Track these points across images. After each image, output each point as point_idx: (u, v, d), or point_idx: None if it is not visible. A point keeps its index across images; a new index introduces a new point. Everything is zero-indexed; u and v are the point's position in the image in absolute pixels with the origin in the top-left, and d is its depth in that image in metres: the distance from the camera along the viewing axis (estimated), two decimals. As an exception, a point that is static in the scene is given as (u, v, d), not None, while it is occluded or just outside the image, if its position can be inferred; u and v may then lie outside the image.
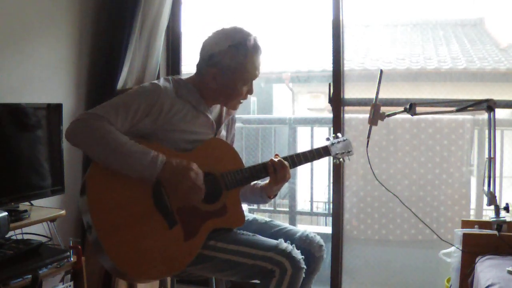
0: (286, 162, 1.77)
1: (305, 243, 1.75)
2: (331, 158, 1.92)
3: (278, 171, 1.75)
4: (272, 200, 1.99)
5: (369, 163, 1.99)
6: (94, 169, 1.56)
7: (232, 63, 1.66)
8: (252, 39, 1.68)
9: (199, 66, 1.75)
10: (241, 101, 1.78)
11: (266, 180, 1.84)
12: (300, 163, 1.82)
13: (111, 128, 1.53)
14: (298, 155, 1.82)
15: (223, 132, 1.84)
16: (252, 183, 1.85)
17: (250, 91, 1.76)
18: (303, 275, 1.61)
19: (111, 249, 1.49)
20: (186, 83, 1.73)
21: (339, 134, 1.95)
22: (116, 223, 1.52)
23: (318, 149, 1.87)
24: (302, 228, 1.88)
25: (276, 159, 1.76)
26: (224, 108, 1.84)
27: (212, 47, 1.69)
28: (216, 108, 1.82)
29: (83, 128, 1.54)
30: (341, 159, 1.92)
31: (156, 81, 1.69)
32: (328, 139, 1.91)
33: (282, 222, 1.98)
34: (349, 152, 1.93)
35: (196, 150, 1.68)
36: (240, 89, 1.72)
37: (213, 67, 1.68)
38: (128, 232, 1.53)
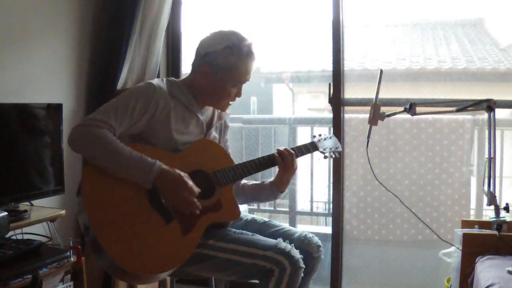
0: (292, 151, 1.82)
1: (303, 244, 1.76)
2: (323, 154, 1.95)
3: (285, 158, 1.79)
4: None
5: (369, 163, 1.99)
6: (88, 169, 1.58)
7: (225, 63, 1.69)
8: (247, 44, 1.72)
9: (193, 64, 1.78)
10: (230, 103, 1.81)
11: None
12: (297, 156, 1.86)
13: (110, 136, 1.56)
14: (292, 148, 1.86)
15: (215, 135, 1.87)
16: (260, 181, 1.91)
17: (238, 94, 1.79)
18: (302, 274, 1.62)
19: (109, 247, 1.50)
20: (179, 83, 1.77)
21: (325, 133, 1.99)
22: (113, 221, 1.53)
23: (305, 145, 1.90)
24: (302, 228, 1.89)
25: (281, 148, 1.83)
26: (216, 112, 1.87)
27: (208, 46, 1.73)
28: (208, 111, 1.85)
29: (84, 135, 1.56)
30: (331, 155, 1.95)
31: (150, 81, 1.71)
32: (314, 136, 1.96)
33: (281, 223, 1.99)
34: (336, 148, 1.96)
35: (186, 150, 1.70)
36: (229, 90, 1.75)
37: (206, 65, 1.72)
38: (126, 229, 1.53)
